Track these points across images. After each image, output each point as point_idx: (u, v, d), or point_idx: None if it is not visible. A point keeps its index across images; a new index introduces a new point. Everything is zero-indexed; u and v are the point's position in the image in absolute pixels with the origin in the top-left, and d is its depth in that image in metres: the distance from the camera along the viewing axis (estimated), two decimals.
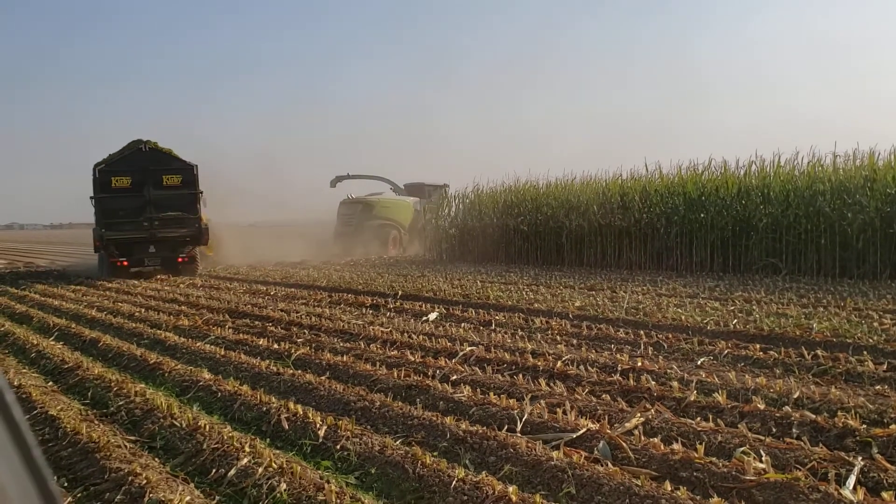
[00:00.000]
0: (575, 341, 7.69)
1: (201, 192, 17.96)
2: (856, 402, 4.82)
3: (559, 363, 6.35)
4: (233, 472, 4.08)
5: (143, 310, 11.56)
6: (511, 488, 3.51)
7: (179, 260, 18.04)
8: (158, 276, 18.21)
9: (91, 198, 17.40)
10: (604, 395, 5.28)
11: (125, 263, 17.78)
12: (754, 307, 9.52)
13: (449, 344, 7.52)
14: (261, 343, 8.05)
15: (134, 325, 9.97)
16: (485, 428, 4.60)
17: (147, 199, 17.44)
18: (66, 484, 4.19)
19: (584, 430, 4.44)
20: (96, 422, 5.31)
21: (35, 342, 8.81)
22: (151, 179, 17.51)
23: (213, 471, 4.20)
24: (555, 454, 4.01)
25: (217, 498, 3.87)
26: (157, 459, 4.48)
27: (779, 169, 16.05)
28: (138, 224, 17.47)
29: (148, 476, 3.92)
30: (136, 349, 8.00)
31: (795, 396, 5.05)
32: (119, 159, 17.78)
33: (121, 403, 5.74)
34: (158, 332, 9.23)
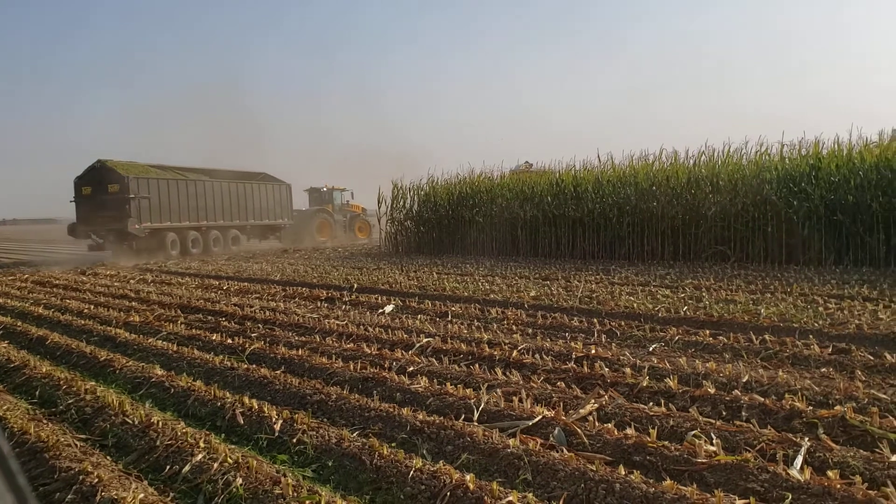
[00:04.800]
0: (530, 330, 7.76)
1: (132, 197, 23.15)
2: (802, 385, 4.96)
3: (515, 352, 6.40)
4: (187, 468, 4.03)
5: (92, 306, 11.31)
6: (468, 476, 3.53)
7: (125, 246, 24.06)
8: (108, 273, 17.99)
9: (71, 201, 24.74)
10: (559, 383, 5.34)
11: (102, 249, 24.81)
12: (704, 294, 9.72)
13: (405, 336, 7.52)
14: (214, 338, 7.94)
15: (83, 322, 9.74)
16: (442, 418, 4.62)
17: (100, 203, 23.73)
18: None
19: (540, 417, 4.48)
20: (45, 421, 5.19)
21: None
22: (102, 188, 23.77)
23: (168, 467, 4.15)
24: (511, 442, 4.05)
25: (172, 495, 3.82)
26: (108, 458, 4.40)
27: (728, 158, 16.38)
28: (96, 220, 24.00)
29: (99, 474, 3.85)
30: (85, 346, 7.83)
31: (744, 380, 5.17)
32: (85, 173, 24.50)
33: (70, 402, 5.61)
34: (108, 328, 9.04)
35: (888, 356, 5.70)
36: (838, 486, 3.21)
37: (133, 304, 11.45)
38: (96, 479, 3.79)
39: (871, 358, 5.74)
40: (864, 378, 5.25)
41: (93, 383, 6.17)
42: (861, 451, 3.72)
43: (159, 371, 6.48)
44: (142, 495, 3.60)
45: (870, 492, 3.15)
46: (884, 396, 4.62)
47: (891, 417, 4.14)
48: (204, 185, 26.79)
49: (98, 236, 24.70)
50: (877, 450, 3.72)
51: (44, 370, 6.68)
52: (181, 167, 27.79)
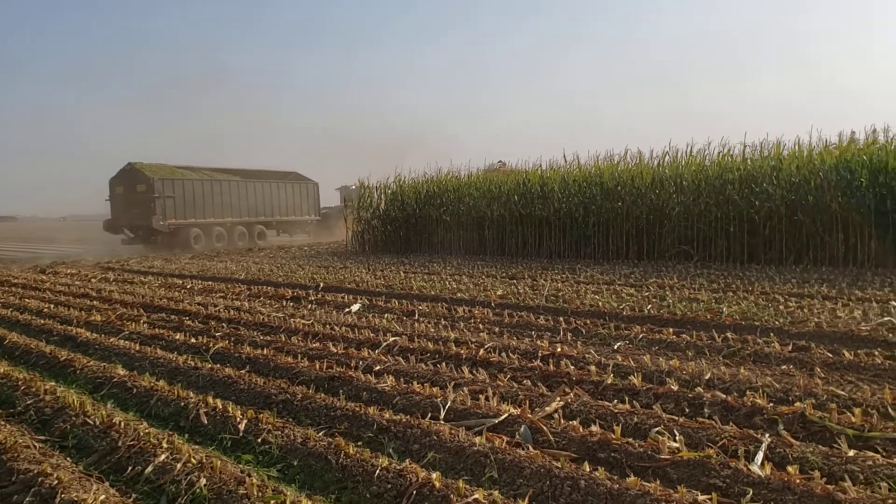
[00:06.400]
0: (497, 329, 7.79)
1: (156, 196, 26.20)
2: (763, 382, 5.04)
3: (481, 351, 6.41)
4: (150, 468, 3.97)
5: (52, 306, 11.11)
6: (434, 475, 3.53)
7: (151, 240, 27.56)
8: (69, 272, 17.70)
9: (106, 200, 28.15)
10: (525, 381, 5.37)
11: (134, 243, 27.92)
12: (667, 293, 9.83)
13: (372, 335, 7.50)
14: (177, 338, 7.84)
15: (43, 321, 9.56)
16: (408, 417, 4.61)
17: (130, 201, 26.84)
18: None
19: (506, 415, 4.50)
20: (2, 422, 5.08)
21: None
22: (132, 188, 26.94)
23: (130, 468, 4.09)
24: (477, 440, 4.06)
25: (134, 496, 3.76)
26: (69, 459, 4.32)
27: (691, 159, 16.58)
28: (127, 216, 27.09)
29: (59, 476, 3.77)
30: (45, 346, 7.68)
31: (707, 377, 5.24)
32: (119, 174, 27.70)
33: (29, 402, 5.50)
34: (69, 328, 8.88)
35: (846, 353, 5.82)
36: (798, 481, 3.27)
37: (94, 303, 11.27)
38: (56, 481, 3.72)
39: (830, 355, 5.85)
40: (823, 375, 5.35)
41: (52, 384, 6.06)
42: (820, 446, 3.79)
43: (121, 371, 6.38)
44: (103, 497, 3.55)
45: (828, 486, 3.21)
46: (842, 393, 4.71)
47: (849, 413, 4.22)
48: (229, 184, 29.72)
49: (130, 231, 28.02)
50: (835, 445, 3.80)
51: (1, 370, 6.53)
52: (212, 168, 30.99)
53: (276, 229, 32.56)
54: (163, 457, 4.05)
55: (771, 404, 4.49)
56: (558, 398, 4.85)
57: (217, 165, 32.01)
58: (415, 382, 5.39)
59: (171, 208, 26.81)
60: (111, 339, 7.96)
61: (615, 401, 4.78)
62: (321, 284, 12.50)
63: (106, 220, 28.70)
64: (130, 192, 26.96)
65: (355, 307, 9.82)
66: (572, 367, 5.70)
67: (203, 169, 30.42)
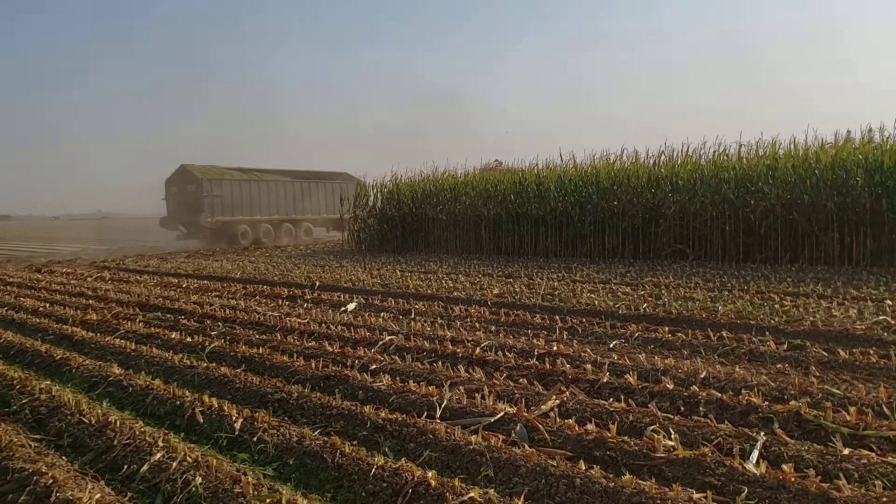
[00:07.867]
0: (493, 328, 7.79)
1: (205, 195, 28.08)
2: (758, 381, 5.05)
3: (478, 349, 6.42)
4: (146, 467, 3.97)
5: (47, 304, 11.08)
6: (430, 473, 3.54)
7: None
8: (64, 270, 17.66)
9: (162, 199, 30.42)
10: (521, 380, 5.37)
11: (188, 238, 30.04)
12: (663, 291, 9.84)
13: (368, 333, 7.49)
14: (173, 336, 7.83)
15: (38, 320, 9.54)
16: (404, 415, 4.61)
17: (182, 200, 29.30)
18: None
19: (502, 413, 4.50)
20: None
21: None
22: (183, 188, 29.25)
23: (125, 467, 4.08)
24: (473, 438, 4.06)
25: (129, 494, 3.76)
26: (64, 458, 4.31)
27: (686, 158, 16.61)
28: (179, 214, 29.57)
29: (54, 475, 3.77)
30: (40, 345, 7.66)
31: (702, 376, 5.25)
32: (173, 175, 30.02)
33: (24, 401, 5.49)
34: (65, 327, 8.86)
35: (841, 352, 5.84)
36: (793, 479, 3.28)
37: (90, 302, 11.24)
38: (51, 480, 3.72)
39: (825, 354, 5.87)
40: (818, 374, 5.37)
41: (48, 382, 6.04)
42: (815, 444, 3.80)
43: (117, 370, 6.37)
44: (98, 495, 3.54)
45: (823, 484, 3.22)
46: (837, 391, 4.73)
47: (844, 412, 4.24)
48: (276, 184, 31.72)
49: (183, 227, 30.29)
50: (830, 443, 3.81)
51: None
52: (262, 169, 33.05)
53: (325, 226, 34.16)
54: (158, 455, 4.04)
55: (766, 403, 4.50)
56: (554, 397, 4.85)
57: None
58: (411, 381, 5.39)
59: (218, 206, 28.68)
60: (107, 338, 7.94)
61: (611, 399, 4.78)
62: (317, 283, 12.50)
63: (162, 218, 31.18)
64: (182, 191, 29.31)
65: (351, 306, 9.82)
66: (568, 366, 5.71)
67: (254, 170, 32.25)
